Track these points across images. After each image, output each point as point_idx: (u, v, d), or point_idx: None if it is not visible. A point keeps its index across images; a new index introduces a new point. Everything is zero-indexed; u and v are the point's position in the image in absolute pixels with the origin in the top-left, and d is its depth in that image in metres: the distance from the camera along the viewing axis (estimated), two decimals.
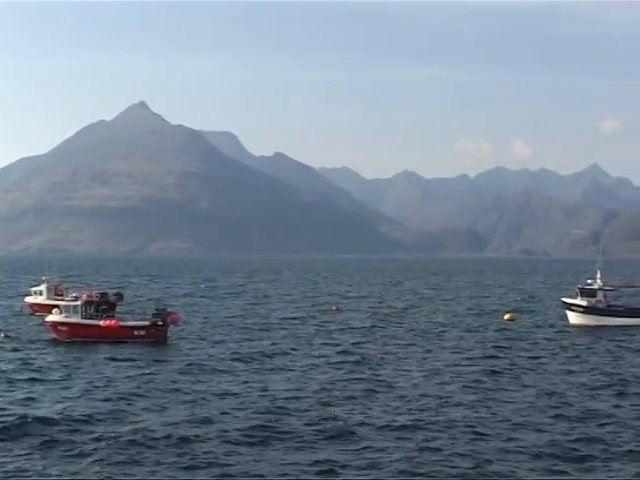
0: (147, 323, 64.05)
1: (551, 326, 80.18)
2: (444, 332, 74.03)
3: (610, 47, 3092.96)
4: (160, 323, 63.76)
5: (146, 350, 58.35)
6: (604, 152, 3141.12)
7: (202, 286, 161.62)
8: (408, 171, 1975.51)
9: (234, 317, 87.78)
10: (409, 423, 35.19)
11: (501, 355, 58.65)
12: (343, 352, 59.47)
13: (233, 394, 41.90)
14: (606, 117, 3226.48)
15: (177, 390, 43.48)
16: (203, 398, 41.02)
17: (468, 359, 56.63)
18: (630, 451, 31.37)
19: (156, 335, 63.32)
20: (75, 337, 63.97)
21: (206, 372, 49.14)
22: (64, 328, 65.25)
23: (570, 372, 52.11)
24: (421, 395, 41.91)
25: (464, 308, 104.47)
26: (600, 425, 36.02)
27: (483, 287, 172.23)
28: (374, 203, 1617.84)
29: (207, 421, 35.69)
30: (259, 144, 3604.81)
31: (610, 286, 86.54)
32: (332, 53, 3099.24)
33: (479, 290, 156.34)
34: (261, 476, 27.87)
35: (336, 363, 53.52)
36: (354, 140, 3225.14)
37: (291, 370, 50.13)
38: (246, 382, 45.80)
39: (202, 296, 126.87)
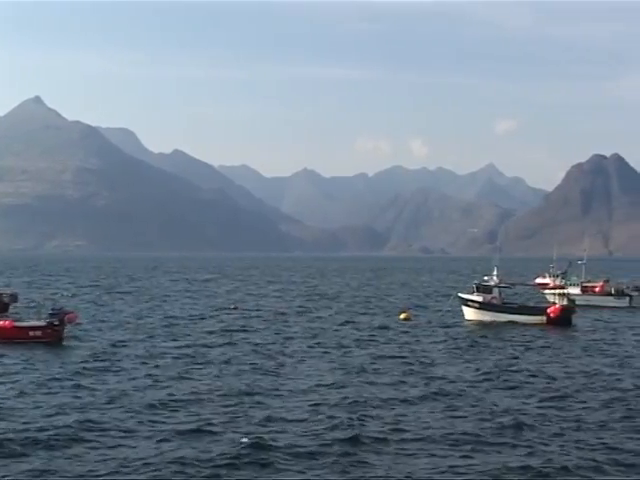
0: (43, 323, 62.74)
1: (446, 322, 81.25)
2: (337, 331, 74.07)
3: (504, 50, 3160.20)
4: (56, 323, 62.49)
5: (40, 351, 57.15)
6: (499, 152, 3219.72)
7: (100, 284, 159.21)
8: (307, 169, 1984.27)
9: (133, 316, 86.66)
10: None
11: (386, 353, 58.86)
12: (237, 348, 59.15)
13: (127, 394, 40.97)
14: (501, 118, 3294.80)
15: (67, 390, 42.55)
16: (93, 398, 40.14)
17: (352, 356, 57.06)
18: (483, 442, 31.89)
19: (52, 335, 62.01)
20: None
21: (101, 372, 48.11)
22: None
23: (454, 365, 52.95)
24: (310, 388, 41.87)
25: (361, 307, 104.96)
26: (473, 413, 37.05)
27: (382, 285, 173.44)
28: (273, 201, 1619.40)
29: (98, 421, 34.97)
30: (158, 141, 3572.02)
31: (505, 283, 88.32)
32: (233, 51, 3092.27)
33: (377, 289, 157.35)
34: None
35: (233, 361, 53.05)
36: (253, 138, 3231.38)
37: (189, 370, 49.54)
38: (135, 379, 45.16)
39: (99, 294, 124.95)
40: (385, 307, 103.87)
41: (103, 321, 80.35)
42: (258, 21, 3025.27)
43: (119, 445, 31.31)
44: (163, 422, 35.05)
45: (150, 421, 35.23)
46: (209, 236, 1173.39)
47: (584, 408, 38.53)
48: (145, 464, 28.64)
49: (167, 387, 43.53)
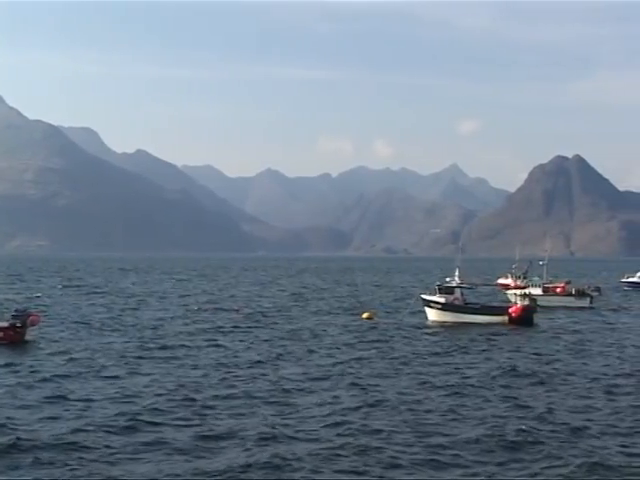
0: (5, 324, 62.23)
1: (408, 323, 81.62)
2: (299, 331, 74.25)
3: (468, 50, 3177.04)
4: (19, 325, 61.99)
5: (1, 352, 56.59)
6: (462, 153, 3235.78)
7: (59, 286, 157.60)
8: (271, 170, 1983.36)
9: (98, 317, 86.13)
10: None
11: (341, 352, 59.25)
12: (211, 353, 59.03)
13: (90, 399, 40.60)
14: (464, 119, 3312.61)
15: (28, 392, 42.28)
16: (56, 401, 39.89)
17: (317, 353, 57.51)
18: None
19: (14, 337, 61.47)
20: None
21: (65, 375, 47.72)
22: None
23: (409, 364, 53.33)
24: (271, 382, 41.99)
25: (331, 307, 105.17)
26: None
27: (347, 286, 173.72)
28: (237, 201, 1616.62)
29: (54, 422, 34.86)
30: (121, 141, 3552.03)
31: (467, 284, 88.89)
32: (196, 51, 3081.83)
33: (340, 289, 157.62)
34: None
35: (201, 364, 52.96)
36: (217, 138, 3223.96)
37: (154, 372, 49.34)
38: (102, 385, 44.92)
39: (63, 295, 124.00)
40: (348, 307, 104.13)
41: (68, 322, 79.91)
42: (221, 21, 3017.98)
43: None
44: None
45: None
46: (173, 236, 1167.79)
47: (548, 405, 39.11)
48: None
49: (124, 386, 43.52)
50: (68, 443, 31.41)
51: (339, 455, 30.18)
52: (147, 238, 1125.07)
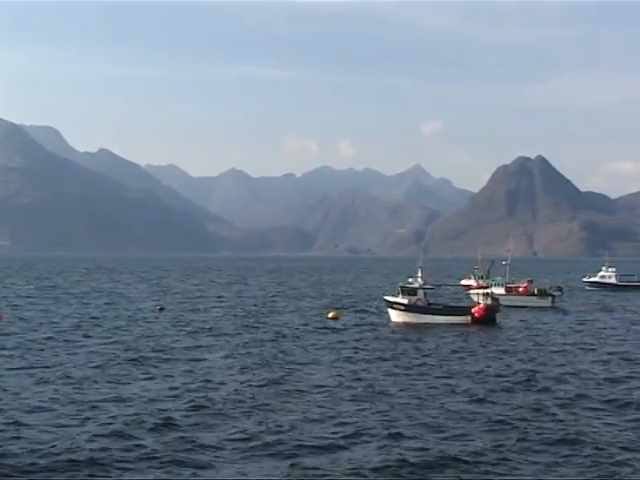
0: None
1: (372, 323, 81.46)
2: (263, 331, 73.90)
3: (432, 51, 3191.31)
4: None
5: None
6: (426, 153, 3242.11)
7: (31, 286, 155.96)
8: (235, 169, 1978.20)
9: (66, 317, 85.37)
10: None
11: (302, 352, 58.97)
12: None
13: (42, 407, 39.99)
14: (428, 119, 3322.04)
15: None
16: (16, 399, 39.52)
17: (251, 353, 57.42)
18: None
19: None
20: None
21: (24, 376, 47.23)
22: None
23: (372, 363, 53.58)
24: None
25: (296, 307, 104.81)
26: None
27: (312, 285, 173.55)
28: (201, 201, 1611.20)
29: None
30: (83, 140, 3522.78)
31: (430, 285, 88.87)
32: (160, 50, 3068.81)
33: (307, 288, 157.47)
34: None
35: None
36: (181, 138, 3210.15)
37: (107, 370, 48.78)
38: (50, 378, 44.49)
39: (29, 296, 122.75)
40: (313, 306, 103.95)
41: (30, 320, 79.49)
42: (184, 20, 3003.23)
43: None
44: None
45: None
46: (136, 236, 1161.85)
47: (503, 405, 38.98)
48: None
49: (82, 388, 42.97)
50: None
51: None
52: (110, 238, 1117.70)
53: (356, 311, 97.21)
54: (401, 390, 43.53)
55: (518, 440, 32.47)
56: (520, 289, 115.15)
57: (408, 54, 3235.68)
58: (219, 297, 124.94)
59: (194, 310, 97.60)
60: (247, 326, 77.90)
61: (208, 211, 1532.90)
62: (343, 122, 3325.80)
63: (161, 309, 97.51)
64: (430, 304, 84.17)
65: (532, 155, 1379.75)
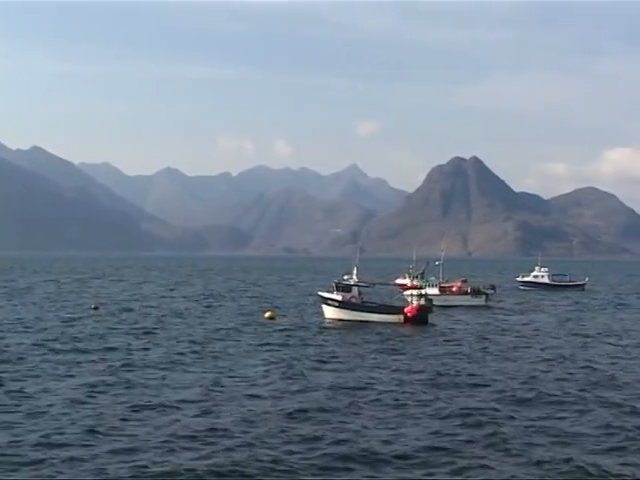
0: None
1: (307, 321, 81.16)
2: (199, 331, 73.01)
3: (366, 52, 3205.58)
4: None
5: None
6: (362, 153, 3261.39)
7: None
8: (171, 168, 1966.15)
9: None
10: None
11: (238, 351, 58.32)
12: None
13: None
14: (364, 119, 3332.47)
15: None
16: None
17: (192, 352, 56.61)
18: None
19: None
20: None
21: None
22: None
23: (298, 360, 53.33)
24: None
25: (230, 308, 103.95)
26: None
27: (249, 284, 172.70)
28: (136, 200, 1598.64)
29: None
30: (15, 137, 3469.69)
31: (364, 283, 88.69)
32: (95, 47, 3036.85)
33: (244, 288, 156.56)
34: None
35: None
36: (115, 136, 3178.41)
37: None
38: None
39: None
40: (250, 306, 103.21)
41: None
42: (121, 17, 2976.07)
43: None
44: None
45: None
46: (69, 235, 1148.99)
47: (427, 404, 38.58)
48: None
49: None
50: None
51: None
52: (44, 237, 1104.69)
53: (292, 310, 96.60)
54: (329, 388, 42.93)
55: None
56: (454, 288, 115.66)
57: (344, 54, 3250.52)
58: (151, 297, 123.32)
59: (127, 310, 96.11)
60: (171, 325, 76.82)
61: (143, 210, 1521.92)
62: (279, 121, 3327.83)
63: (95, 308, 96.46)
64: (364, 302, 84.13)
65: (467, 156, 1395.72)
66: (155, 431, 32.85)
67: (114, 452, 29.75)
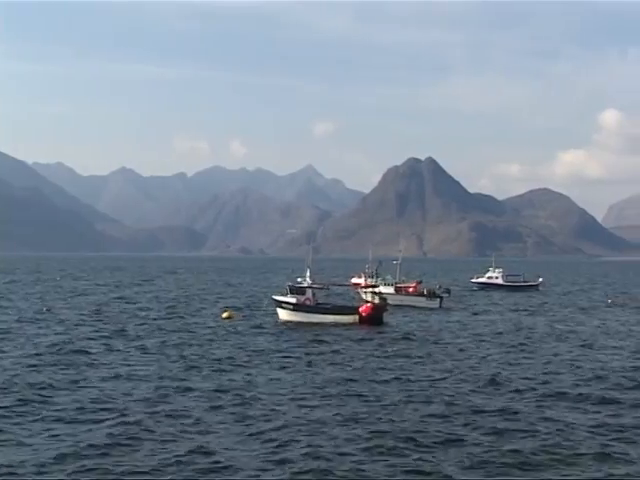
0: None
1: (262, 323, 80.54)
2: (154, 332, 72.13)
3: (323, 53, 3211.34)
4: None
5: None
6: (318, 154, 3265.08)
7: None
8: (125, 168, 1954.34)
9: None
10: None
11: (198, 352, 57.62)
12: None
13: None
14: (320, 120, 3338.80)
15: None
16: None
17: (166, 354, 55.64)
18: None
19: None
20: None
21: None
22: None
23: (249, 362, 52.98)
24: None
25: (184, 306, 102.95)
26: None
27: (206, 286, 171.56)
28: (90, 200, 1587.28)
29: None
30: None
31: (318, 284, 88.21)
32: (49, 46, 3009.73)
33: (200, 289, 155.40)
34: None
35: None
36: (69, 136, 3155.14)
37: None
38: None
39: None
40: (208, 307, 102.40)
41: None
42: (76, 16, 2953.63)
43: None
44: None
45: None
46: (22, 235, 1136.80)
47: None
48: None
49: None
50: None
51: None
52: None
53: (249, 311, 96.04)
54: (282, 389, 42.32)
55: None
56: (409, 289, 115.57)
57: (301, 55, 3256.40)
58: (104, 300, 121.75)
59: (80, 311, 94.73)
60: (126, 330, 75.69)
61: (97, 210, 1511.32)
62: (234, 122, 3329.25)
63: (48, 310, 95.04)
64: (318, 303, 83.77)
65: (422, 157, 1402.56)
66: None
67: None
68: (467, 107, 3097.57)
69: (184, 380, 45.65)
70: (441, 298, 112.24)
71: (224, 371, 49.62)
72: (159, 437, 32.36)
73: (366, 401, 40.35)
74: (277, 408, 38.27)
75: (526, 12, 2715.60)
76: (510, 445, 31.61)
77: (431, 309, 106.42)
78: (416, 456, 30.13)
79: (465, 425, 35.11)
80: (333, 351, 60.38)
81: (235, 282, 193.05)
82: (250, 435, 32.99)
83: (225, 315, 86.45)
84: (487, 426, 34.84)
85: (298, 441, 31.92)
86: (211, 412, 37.24)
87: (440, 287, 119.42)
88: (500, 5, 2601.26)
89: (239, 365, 52.34)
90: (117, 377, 46.51)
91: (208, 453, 30.15)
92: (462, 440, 32.48)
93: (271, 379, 46.78)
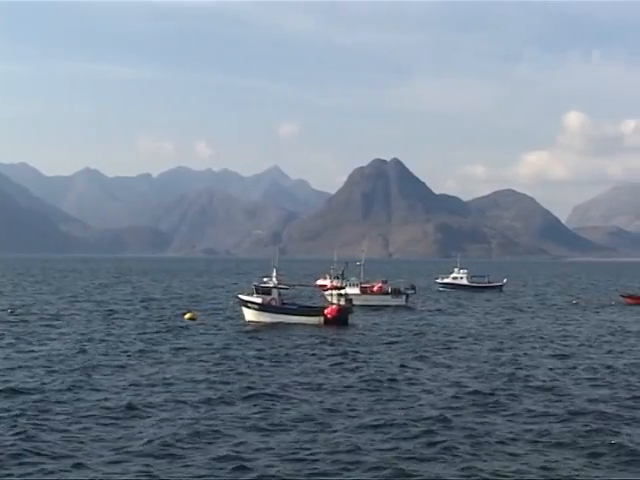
0: None
1: (226, 324, 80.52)
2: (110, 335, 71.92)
3: (288, 53, 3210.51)
4: None
5: None
6: (284, 155, 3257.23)
7: None
8: (90, 169, 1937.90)
9: None
10: None
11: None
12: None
13: None
14: (286, 121, 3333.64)
15: None
16: None
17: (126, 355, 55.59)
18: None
19: None
20: None
21: None
22: None
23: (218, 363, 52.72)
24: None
25: (153, 310, 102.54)
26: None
27: (170, 287, 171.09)
28: (54, 201, 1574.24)
29: None
30: None
31: (284, 285, 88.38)
32: (12, 45, 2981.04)
33: (165, 290, 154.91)
34: None
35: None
36: (32, 136, 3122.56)
37: None
38: None
39: None
40: (170, 308, 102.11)
41: None
42: (38, 16, 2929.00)
43: None
44: None
45: None
46: None
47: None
48: None
49: None
50: None
51: None
52: None
53: (212, 311, 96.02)
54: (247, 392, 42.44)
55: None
56: (375, 289, 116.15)
57: (266, 55, 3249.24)
58: (71, 302, 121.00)
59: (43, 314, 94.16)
60: (96, 332, 75.41)
61: (61, 211, 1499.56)
62: (200, 122, 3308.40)
63: (12, 312, 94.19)
64: (284, 304, 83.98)
65: (388, 158, 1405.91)
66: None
67: None
68: (432, 108, 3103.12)
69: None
70: (407, 295, 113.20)
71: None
72: None
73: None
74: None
75: (489, 14, 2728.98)
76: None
77: (397, 307, 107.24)
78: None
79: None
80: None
81: (199, 282, 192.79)
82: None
83: (188, 316, 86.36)
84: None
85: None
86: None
87: (405, 286, 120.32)
88: (463, 7, 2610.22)
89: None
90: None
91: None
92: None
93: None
